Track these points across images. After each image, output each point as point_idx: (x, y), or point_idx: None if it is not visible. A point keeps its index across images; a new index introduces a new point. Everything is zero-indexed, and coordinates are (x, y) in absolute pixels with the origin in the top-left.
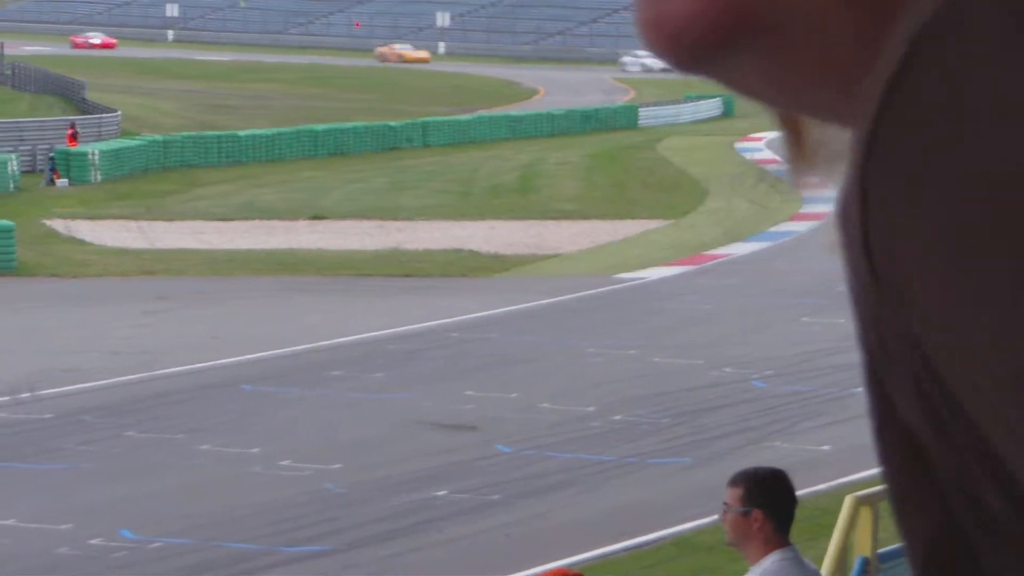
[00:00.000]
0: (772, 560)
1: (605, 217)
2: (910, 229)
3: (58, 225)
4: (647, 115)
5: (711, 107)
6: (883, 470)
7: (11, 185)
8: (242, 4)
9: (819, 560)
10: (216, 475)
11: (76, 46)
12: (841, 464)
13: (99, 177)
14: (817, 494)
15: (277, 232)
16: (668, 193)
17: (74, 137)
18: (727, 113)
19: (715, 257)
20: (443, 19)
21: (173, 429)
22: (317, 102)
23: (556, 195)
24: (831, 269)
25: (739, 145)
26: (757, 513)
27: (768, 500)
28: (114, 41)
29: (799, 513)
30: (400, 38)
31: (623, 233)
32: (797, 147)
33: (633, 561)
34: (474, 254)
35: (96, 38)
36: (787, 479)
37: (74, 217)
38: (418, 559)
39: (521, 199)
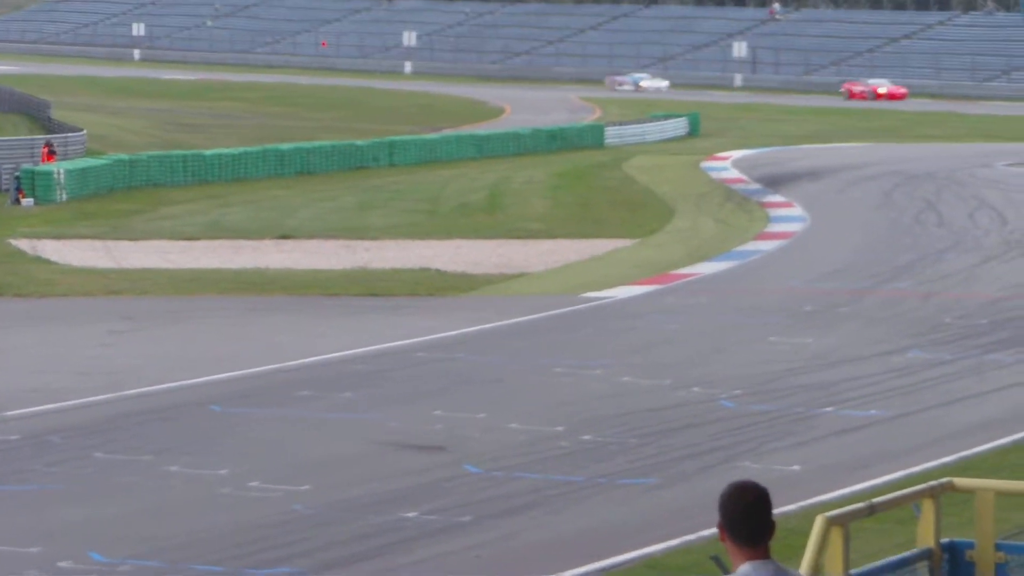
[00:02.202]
0: (742, 570)
1: (572, 236)
2: None
3: (23, 244)
4: (613, 134)
5: (677, 126)
6: None
7: None
8: (209, 23)
9: None
10: (185, 496)
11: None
12: (811, 484)
13: (64, 196)
14: (787, 515)
15: (244, 251)
16: (634, 212)
17: (52, 154)
18: (693, 132)
19: (682, 276)
20: (409, 38)
21: (141, 450)
22: (283, 121)
23: (523, 214)
24: (797, 288)
25: (705, 164)
26: (720, 525)
27: (728, 513)
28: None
29: None
30: (366, 57)
31: (590, 252)
32: None
33: None
34: (441, 273)
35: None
36: (750, 491)
37: (39, 236)
38: None
39: (488, 218)
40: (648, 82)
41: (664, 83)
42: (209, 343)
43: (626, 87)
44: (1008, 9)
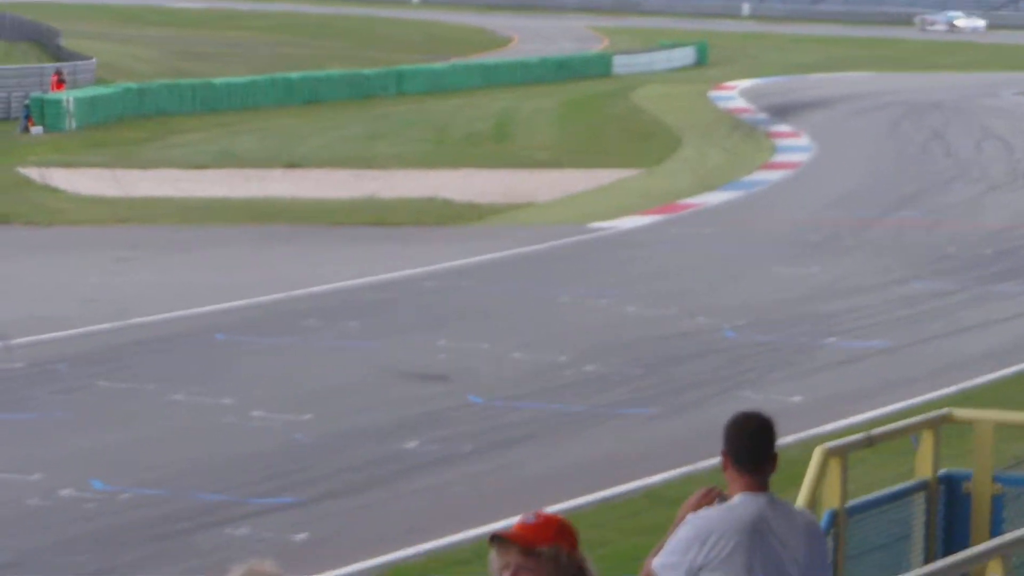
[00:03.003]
0: (735, 500)
1: (579, 166)
2: None
3: (33, 173)
4: (621, 63)
5: (684, 55)
6: None
7: None
8: None
9: None
10: (188, 425)
11: None
12: (811, 415)
13: (74, 125)
14: (787, 446)
15: (252, 180)
16: (642, 142)
17: (61, 82)
18: (700, 62)
19: (688, 206)
20: None
21: (145, 378)
22: (292, 50)
23: (530, 143)
24: (803, 218)
25: (712, 94)
26: (724, 452)
27: (732, 441)
28: None
29: None
30: None
31: (597, 182)
32: None
33: (603, 513)
34: (448, 203)
35: None
36: (755, 419)
37: (48, 165)
38: (388, 510)
39: (495, 147)
40: (964, 21)
41: (981, 23)
42: (215, 272)
43: (939, 27)
44: None
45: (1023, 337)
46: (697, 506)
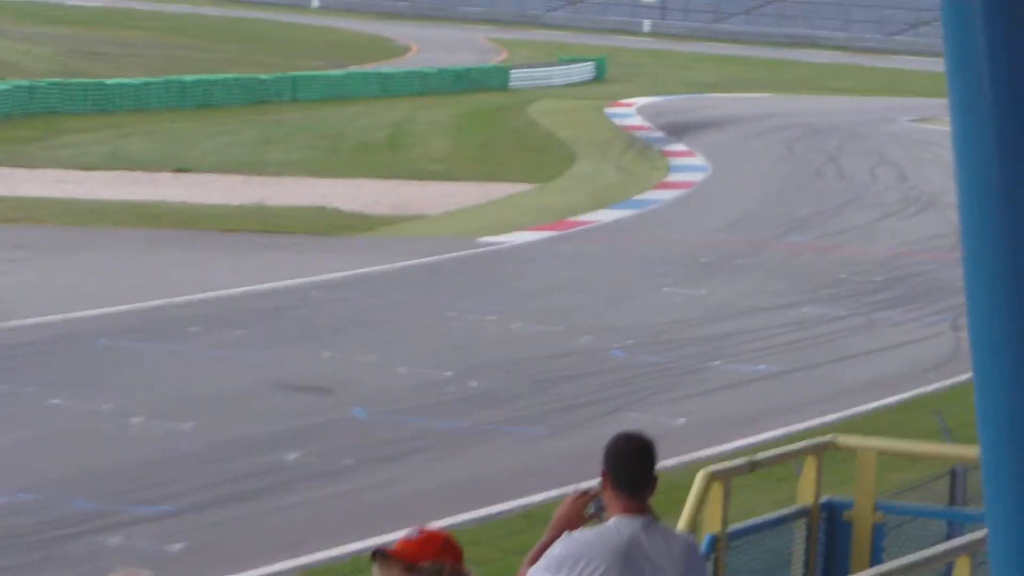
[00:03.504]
0: (610, 523)
1: (472, 179)
2: None
3: None
4: (519, 76)
5: (583, 71)
6: None
7: None
8: None
9: None
10: (66, 430)
11: None
12: (695, 438)
13: None
14: (669, 468)
15: (141, 183)
16: (536, 156)
17: None
18: (599, 77)
19: (580, 223)
20: None
21: (23, 382)
22: (187, 52)
23: (424, 155)
24: (695, 239)
25: (609, 110)
26: (604, 472)
27: (612, 462)
28: None
29: None
30: None
31: (490, 195)
32: None
33: (484, 531)
34: (339, 212)
35: None
36: (635, 440)
37: None
38: (267, 522)
39: (389, 157)
40: None
41: None
42: (101, 275)
43: None
44: None
45: (908, 365)
46: (571, 509)
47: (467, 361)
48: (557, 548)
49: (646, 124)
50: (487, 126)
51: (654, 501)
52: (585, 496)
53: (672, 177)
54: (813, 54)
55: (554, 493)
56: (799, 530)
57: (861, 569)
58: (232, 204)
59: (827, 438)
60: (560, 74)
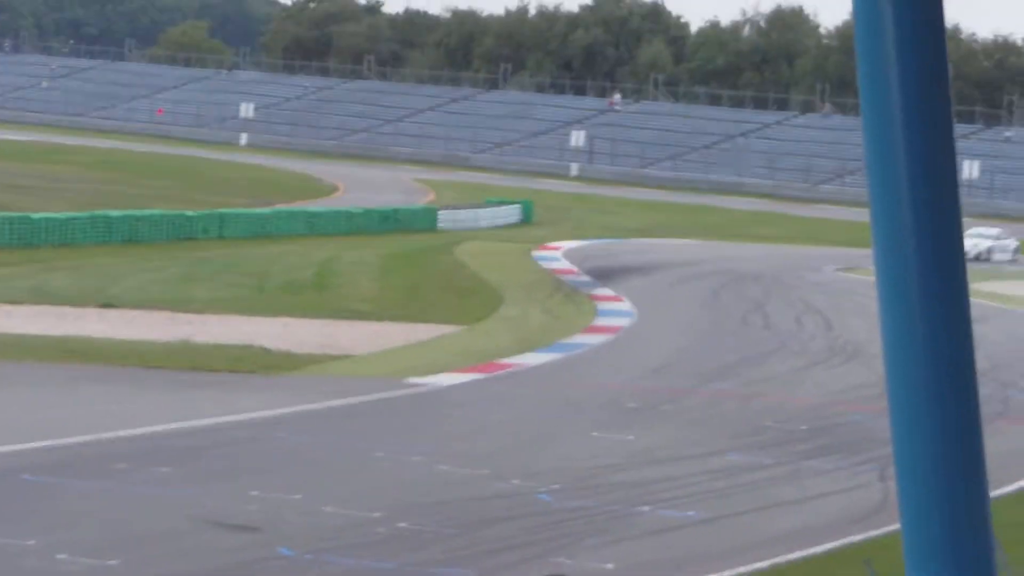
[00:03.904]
0: None
1: (400, 319)
2: None
3: None
4: (446, 218)
5: (510, 213)
6: None
7: None
8: (44, 84)
9: None
10: None
11: None
12: None
13: None
14: None
15: (66, 319)
16: (463, 298)
17: None
18: (526, 220)
19: (507, 366)
20: (247, 110)
21: None
22: (115, 187)
23: (351, 294)
24: (621, 384)
25: (536, 253)
26: None
27: None
28: None
29: None
30: (202, 126)
31: (417, 336)
32: None
33: None
34: (265, 351)
35: None
36: None
37: None
38: None
39: (316, 297)
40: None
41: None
42: (25, 410)
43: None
44: (844, 112)
45: (835, 514)
46: None
47: (395, 502)
48: None
49: (573, 268)
50: (414, 267)
51: None
52: None
53: (599, 321)
54: (739, 201)
55: None
56: None
57: None
58: (157, 341)
59: None
60: (487, 216)
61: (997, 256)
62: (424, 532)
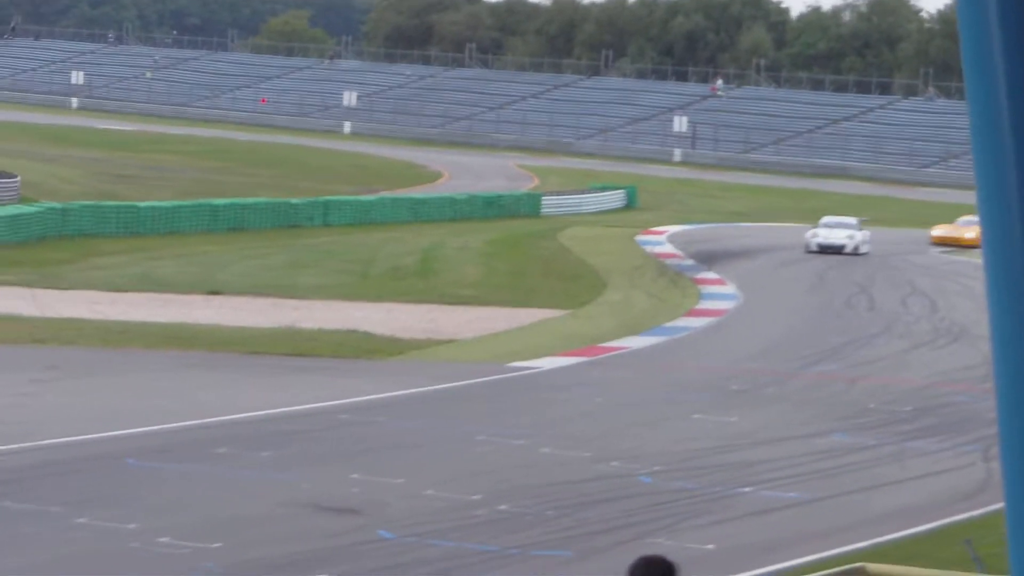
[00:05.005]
0: None
1: (503, 304)
2: None
3: None
4: (550, 203)
5: (614, 198)
6: None
7: None
8: (148, 75)
9: None
10: (92, 549)
11: None
12: (725, 564)
13: None
14: None
15: (172, 305)
16: (567, 283)
17: None
18: (630, 205)
19: (610, 350)
20: (350, 98)
21: (51, 501)
22: (219, 176)
23: (455, 280)
24: (724, 367)
25: (640, 238)
26: None
27: None
28: None
29: None
30: (305, 115)
31: (520, 321)
32: None
33: None
34: (369, 336)
35: None
36: (657, 564)
37: None
38: None
39: (420, 282)
40: None
41: None
42: (131, 396)
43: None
44: (948, 96)
45: (937, 495)
46: None
47: (496, 485)
48: None
49: (677, 252)
50: (518, 252)
51: None
52: None
53: (703, 305)
54: (843, 185)
55: None
56: None
57: None
58: (263, 327)
59: (856, 565)
60: (591, 201)
61: (863, 249)
62: (525, 514)
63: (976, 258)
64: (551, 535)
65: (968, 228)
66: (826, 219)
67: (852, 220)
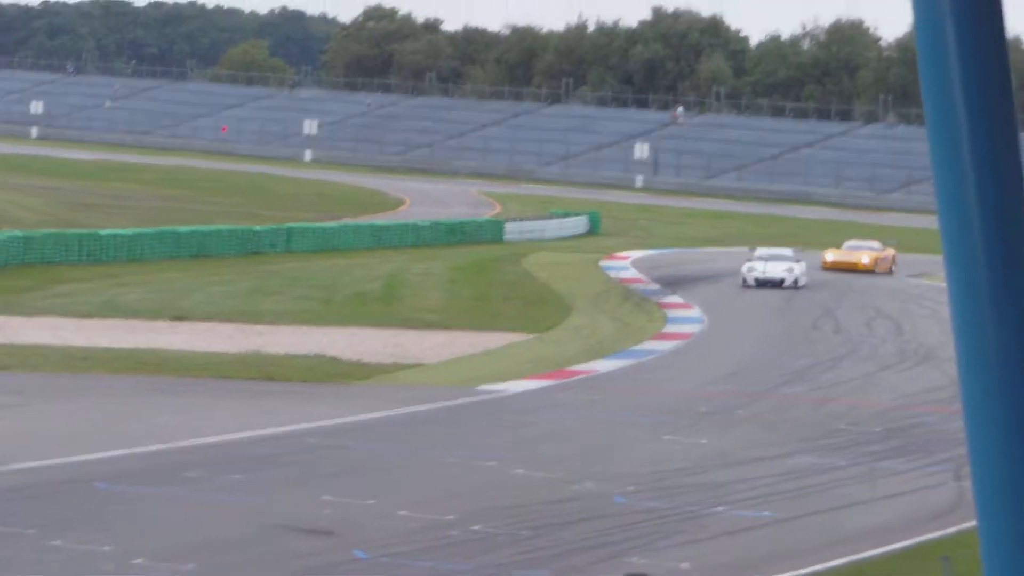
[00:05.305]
0: None
1: (468, 328)
2: None
3: None
4: (513, 229)
5: (576, 224)
6: None
7: None
8: (107, 104)
9: None
10: (67, 572)
11: None
12: None
13: None
14: None
15: (138, 331)
16: (532, 307)
17: None
18: (593, 231)
19: (577, 373)
20: (311, 127)
21: (24, 524)
22: (182, 204)
23: (420, 305)
24: (692, 389)
25: (604, 263)
26: None
27: None
28: None
29: None
30: (266, 143)
31: (485, 345)
32: None
33: None
34: (335, 360)
35: None
36: None
37: None
38: None
39: (384, 308)
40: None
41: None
42: (98, 421)
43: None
44: (908, 123)
45: (910, 514)
46: None
47: (469, 505)
48: None
49: (641, 277)
50: (482, 278)
51: None
52: None
53: (669, 328)
54: (805, 210)
55: None
56: None
57: None
58: (229, 352)
59: None
60: (554, 227)
61: (802, 282)
62: (499, 534)
63: (940, 281)
64: (527, 555)
65: (863, 252)
66: (761, 251)
67: (788, 251)
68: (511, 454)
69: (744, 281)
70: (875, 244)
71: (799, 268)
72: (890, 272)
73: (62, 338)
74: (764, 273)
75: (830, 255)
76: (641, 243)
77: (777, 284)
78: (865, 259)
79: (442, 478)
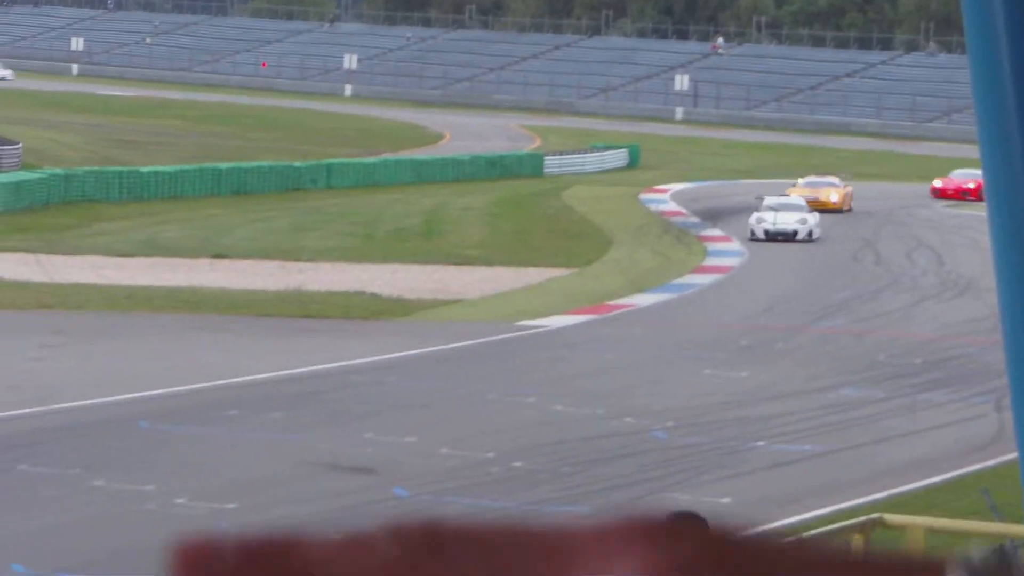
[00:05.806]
0: None
1: (509, 264)
2: None
3: None
4: (552, 163)
5: (616, 157)
6: None
7: None
8: (148, 40)
9: None
10: (110, 511)
11: None
12: (741, 517)
13: None
14: None
15: (178, 270)
16: (572, 242)
17: None
18: (632, 164)
19: (618, 307)
20: (350, 61)
21: (68, 464)
22: (222, 140)
23: (460, 240)
24: (733, 322)
25: (644, 196)
26: None
27: None
28: None
29: None
30: (306, 78)
31: (526, 280)
32: None
33: None
34: (376, 297)
35: None
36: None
37: None
38: None
39: (425, 243)
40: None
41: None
42: (140, 360)
43: None
44: (949, 51)
45: (951, 446)
46: None
47: (509, 442)
48: None
49: (681, 210)
50: (522, 212)
51: None
52: None
53: (709, 262)
54: (845, 140)
55: None
56: None
57: None
58: (269, 290)
59: (875, 516)
60: (594, 161)
61: (816, 234)
62: (539, 471)
63: (980, 211)
64: (567, 491)
65: (830, 190)
66: (770, 200)
67: (800, 200)
68: (551, 390)
69: (752, 233)
70: (834, 180)
71: (813, 219)
72: (850, 209)
73: (104, 276)
74: (775, 225)
75: (792, 195)
76: (681, 176)
77: (790, 236)
78: (834, 197)
79: (482, 415)
